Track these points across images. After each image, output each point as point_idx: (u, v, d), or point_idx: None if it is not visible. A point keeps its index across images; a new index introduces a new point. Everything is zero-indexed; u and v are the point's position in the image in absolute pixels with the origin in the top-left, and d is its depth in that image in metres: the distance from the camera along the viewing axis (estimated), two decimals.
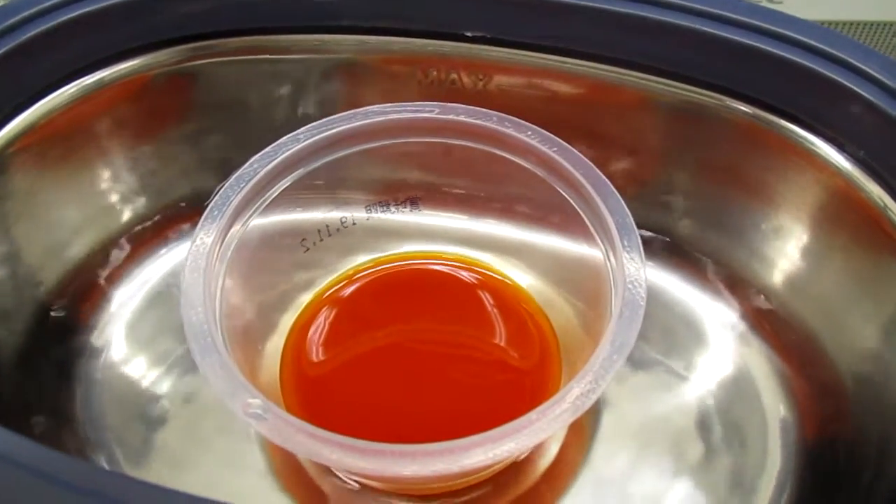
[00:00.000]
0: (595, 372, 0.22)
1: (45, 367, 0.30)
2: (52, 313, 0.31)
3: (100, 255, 0.33)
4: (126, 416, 0.30)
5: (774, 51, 0.28)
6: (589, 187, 0.26)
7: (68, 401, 0.30)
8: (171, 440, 0.29)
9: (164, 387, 0.30)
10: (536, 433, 0.20)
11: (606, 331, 0.22)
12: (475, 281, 0.31)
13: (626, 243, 0.24)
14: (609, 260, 0.25)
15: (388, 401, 0.28)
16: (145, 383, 0.30)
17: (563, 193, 0.27)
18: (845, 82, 0.27)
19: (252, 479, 0.28)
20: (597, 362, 0.22)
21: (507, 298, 0.31)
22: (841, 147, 0.28)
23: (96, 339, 0.31)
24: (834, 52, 0.28)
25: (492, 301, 0.31)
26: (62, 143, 0.32)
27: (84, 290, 0.32)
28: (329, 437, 0.20)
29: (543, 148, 0.27)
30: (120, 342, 0.32)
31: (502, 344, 0.29)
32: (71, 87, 0.31)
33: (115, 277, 0.33)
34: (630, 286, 0.23)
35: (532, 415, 0.21)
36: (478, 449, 0.20)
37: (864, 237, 0.28)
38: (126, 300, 0.33)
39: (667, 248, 0.34)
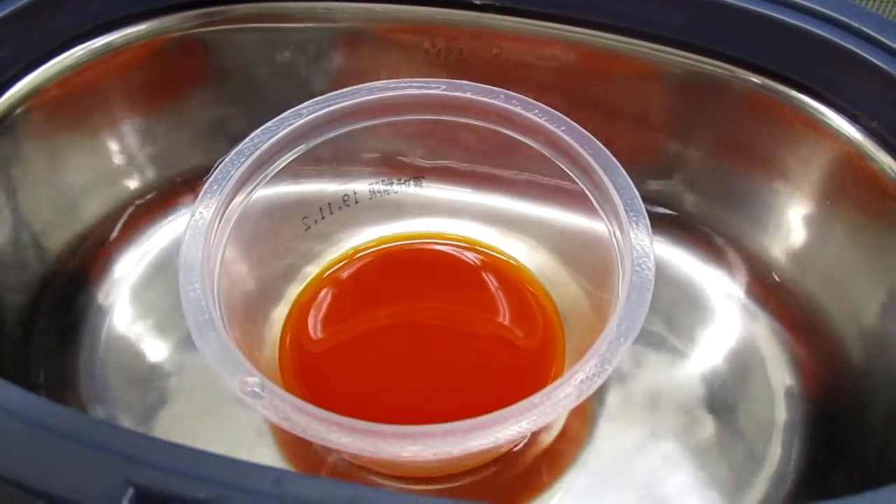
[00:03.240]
0: (601, 355, 0.21)
1: (50, 332, 0.30)
2: (57, 278, 0.31)
3: (106, 221, 0.33)
4: (129, 382, 0.29)
5: (786, 19, 0.28)
6: (597, 167, 0.25)
7: (72, 366, 0.30)
8: (173, 406, 0.29)
9: (168, 353, 0.30)
10: (540, 417, 0.20)
11: (613, 313, 0.22)
12: (478, 261, 0.31)
13: (634, 224, 0.24)
14: (617, 240, 0.25)
15: (389, 380, 0.27)
16: (149, 349, 0.30)
17: (571, 173, 0.26)
18: (859, 51, 0.27)
19: (255, 445, 0.28)
20: (603, 345, 0.21)
21: (511, 279, 0.30)
22: (853, 118, 0.28)
23: (101, 304, 0.31)
24: (847, 20, 0.27)
25: (495, 281, 0.30)
26: (69, 108, 0.31)
27: (89, 255, 0.32)
28: (327, 416, 0.20)
29: (551, 127, 0.26)
30: (124, 308, 0.31)
31: (505, 324, 0.29)
32: (79, 50, 0.31)
33: (121, 244, 0.33)
34: (638, 268, 0.23)
35: (536, 398, 0.20)
36: (479, 432, 0.20)
37: (874, 209, 0.28)
38: (131, 267, 0.33)
39: (673, 220, 0.33)
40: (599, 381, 0.21)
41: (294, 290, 0.30)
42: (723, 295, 0.32)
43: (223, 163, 0.26)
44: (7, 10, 0.28)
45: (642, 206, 0.24)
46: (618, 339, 0.21)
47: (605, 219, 0.25)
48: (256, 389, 0.20)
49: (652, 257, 0.23)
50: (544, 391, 0.20)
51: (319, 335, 0.29)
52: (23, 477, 0.16)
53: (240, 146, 0.26)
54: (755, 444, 0.28)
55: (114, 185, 0.33)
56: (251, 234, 0.27)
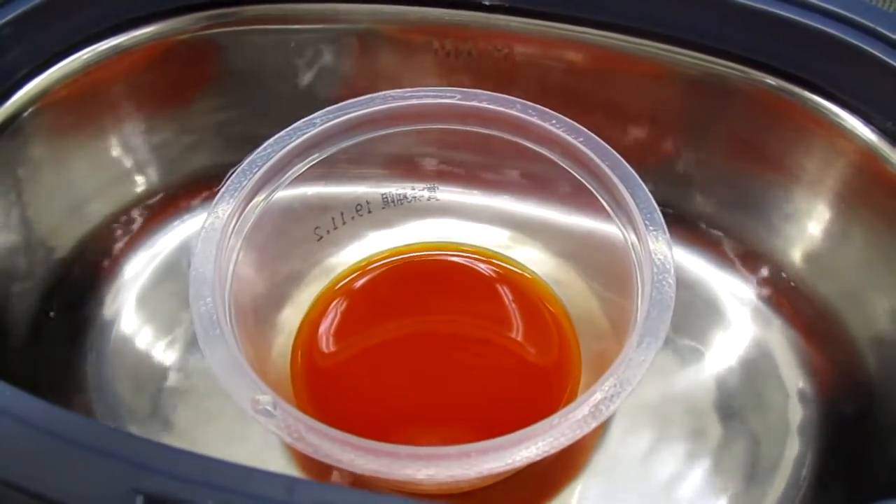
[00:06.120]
0: (619, 376, 0.21)
1: (57, 335, 0.30)
2: (64, 281, 0.31)
3: (112, 224, 0.33)
4: (136, 386, 0.29)
5: (799, 19, 0.27)
6: (616, 179, 0.25)
7: (78, 371, 0.29)
8: (180, 412, 0.29)
9: (175, 358, 0.30)
10: (558, 439, 0.20)
11: (633, 332, 0.22)
12: (493, 274, 0.30)
13: (653, 238, 0.23)
14: (635, 251, 0.24)
15: (401, 395, 0.27)
16: (156, 354, 0.30)
17: (588, 185, 0.26)
18: (873, 51, 0.27)
19: (262, 453, 0.27)
20: (621, 365, 0.21)
21: (526, 293, 0.30)
22: (867, 118, 0.28)
23: (107, 309, 0.31)
24: (861, 20, 0.27)
25: (510, 295, 0.30)
26: (77, 110, 0.31)
27: (96, 259, 0.32)
28: (341, 436, 0.19)
29: (568, 137, 0.26)
30: (131, 313, 0.31)
31: (520, 339, 0.29)
32: (86, 53, 0.31)
33: (128, 248, 0.33)
34: (658, 284, 0.22)
35: (553, 419, 0.20)
36: (495, 454, 0.19)
37: (889, 210, 0.28)
38: (138, 271, 0.32)
39: (685, 223, 0.33)
40: (619, 402, 0.20)
41: (305, 302, 0.29)
42: (735, 299, 0.31)
43: (235, 172, 0.25)
44: (14, 14, 0.28)
45: (662, 219, 0.24)
46: (637, 358, 0.21)
47: (624, 230, 0.25)
48: (268, 408, 0.20)
49: (672, 273, 0.23)
50: (562, 412, 0.20)
51: (331, 348, 0.28)
52: (30, 484, 0.16)
53: (252, 156, 0.26)
54: (768, 449, 0.28)
55: (121, 188, 0.33)
56: (263, 244, 0.26)
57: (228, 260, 0.24)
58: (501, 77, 0.32)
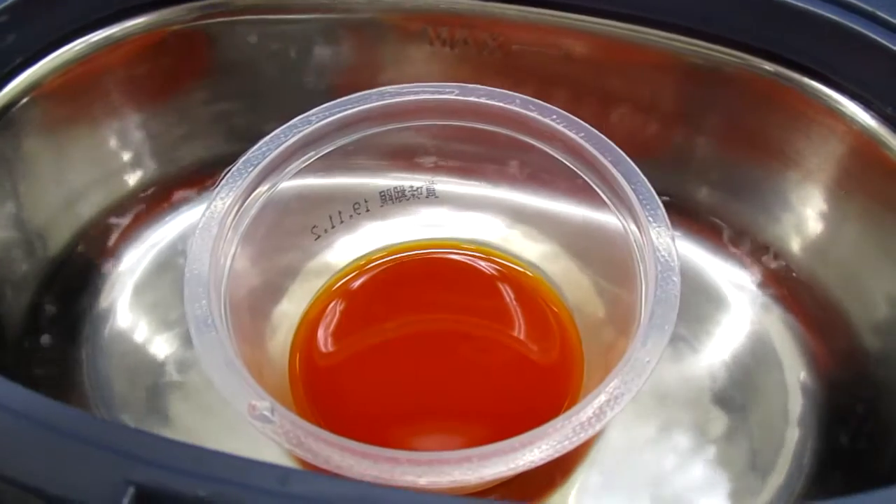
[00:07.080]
0: (624, 377, 0.20)
1: (52, 328, 0.30)
2: (59, 274, 0.31)
3: (107, 217, 0.33)
4: (132, 381, 0.29)
5: (797, 3, 0.27)
6: (618, 176, 0.24)
7: (74, 365, 0.29)
8: (177, 406, 0.29)
9: (171, 352, 0.30)
10: (561, 442, 0.19)
11: (637, 331, 0.21)
12: (493, 272, 0.30)
13: (658, 235, 0.23)
14: (638, 250, 0.24)
15: (400, 396, 0.27)
16: (152, 348, 0.30)
17: (590, 181, 0.26)
18: (872, 35, 0.26)
19: (260, 447, 0.27)
20: (626, 366, 0.20)
21: (527, 290, 0.29)
22: (867, 104, 0.28)
23: (103, 302, 0.31)
24: (860, 4, 0.27)
25: (511, 293, 0.29)
26: (70, 102, 0.31)
27: (91, 252, 0.32)
28: (340, 442, 0.19)
29: (569, 133, 0.25)
30: (126, 307, 0.31)
31: (521, 338, 0.28)
32: (79, 44, 0.30)
33: (123, 241, 0.33)
34: (662, 283, 0.22)
35: (557, 422, 0.19)
36: (498, 458, 0.19)
37: (890, 197, 0.28)
38: (133, 264, 0.32)
39: (684, 212, 0.32)
40: (623, 404, 0.20)
41: (303, 303, 0.29)
42: (735, 287, 0.31)
43: (231, 172, 0.25)
44: (5, 3, 0.28)
45: (665, 215, 0.24)
46: (642, 358, 0.21)
47: (626, 225, 0.25)
48: (266, 413, 0.20)
49: (677, 270, 0.22)
50: (566, 414, 0.20)
51: (330, 349, 0.28)
52: (22, 475, 0.16)
53: (249, 153, 0.25)
54: (768, 439, 0.28)
55: (115, 180, 0.33)
56: (259, 244, 0.26)
57: (225, 257, 0.24)
58: (498, 66, 0.32)
